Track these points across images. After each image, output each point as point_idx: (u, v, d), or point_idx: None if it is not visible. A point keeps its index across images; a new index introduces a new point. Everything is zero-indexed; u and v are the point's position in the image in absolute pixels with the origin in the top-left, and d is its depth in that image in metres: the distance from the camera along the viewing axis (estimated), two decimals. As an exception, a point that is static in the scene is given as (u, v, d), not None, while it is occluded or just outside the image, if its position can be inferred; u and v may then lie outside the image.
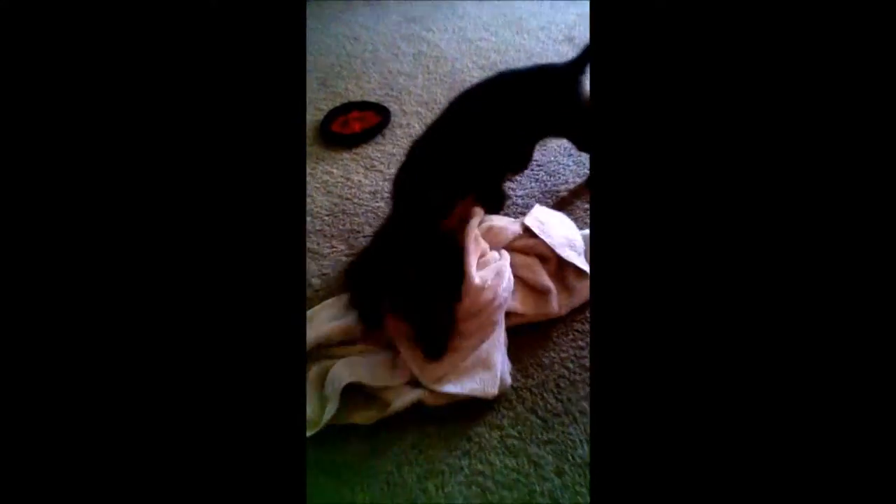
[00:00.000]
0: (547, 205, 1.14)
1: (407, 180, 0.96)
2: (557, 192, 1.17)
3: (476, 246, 0.86)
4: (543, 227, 0.93)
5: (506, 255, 0.90)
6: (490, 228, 0.93)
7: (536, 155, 1.22)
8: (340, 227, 1.18)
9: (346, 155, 1.38)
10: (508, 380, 0.83)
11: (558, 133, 1.13)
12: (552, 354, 0.88)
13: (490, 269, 0.86)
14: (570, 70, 1.01)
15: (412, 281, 0.78)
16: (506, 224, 0.94)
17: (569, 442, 0.77)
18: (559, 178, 1.20)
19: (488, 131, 0.97)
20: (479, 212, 0.91)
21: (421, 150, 1.00)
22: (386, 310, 0.85)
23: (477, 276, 0.83)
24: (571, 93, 1.00)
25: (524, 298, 0.89)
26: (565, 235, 0.94)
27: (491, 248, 0.91)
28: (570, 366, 0.86)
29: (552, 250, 0.91)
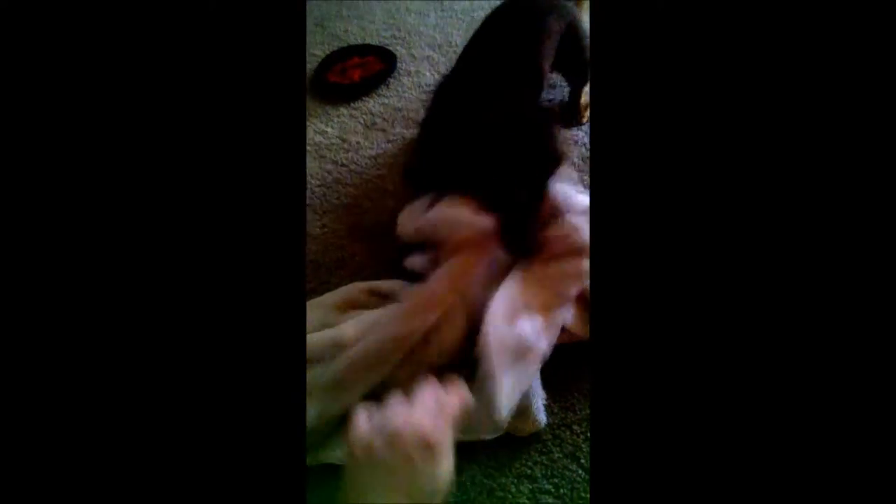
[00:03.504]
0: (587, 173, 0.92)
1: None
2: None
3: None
4: None
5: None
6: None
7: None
8: (334, 200, 0.97)
9: (343, 110, 1.15)
10: (543, 417, 0.63)
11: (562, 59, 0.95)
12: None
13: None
14: None
15: (498, 161, 0.64)
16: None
17: (623, 503, 0.58)
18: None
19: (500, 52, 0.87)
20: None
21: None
22: None
23: None
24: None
25: (582, 315, 0.69)
26: None
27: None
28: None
29: None
